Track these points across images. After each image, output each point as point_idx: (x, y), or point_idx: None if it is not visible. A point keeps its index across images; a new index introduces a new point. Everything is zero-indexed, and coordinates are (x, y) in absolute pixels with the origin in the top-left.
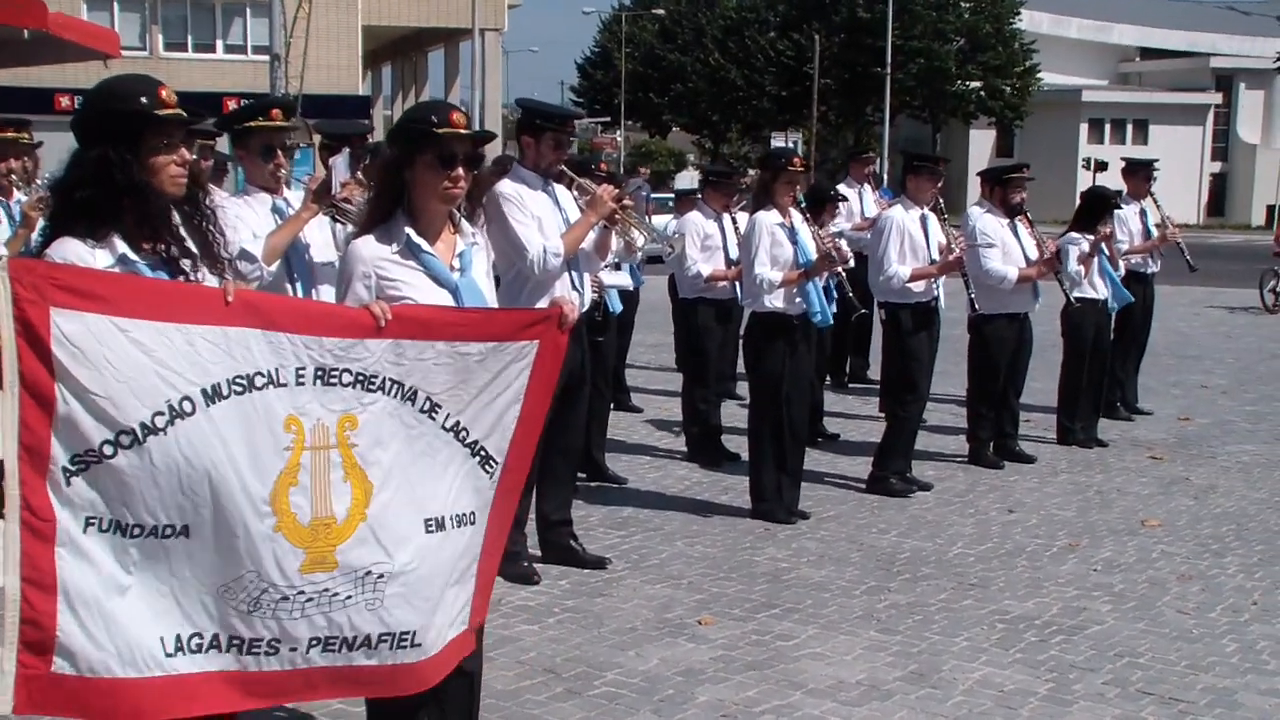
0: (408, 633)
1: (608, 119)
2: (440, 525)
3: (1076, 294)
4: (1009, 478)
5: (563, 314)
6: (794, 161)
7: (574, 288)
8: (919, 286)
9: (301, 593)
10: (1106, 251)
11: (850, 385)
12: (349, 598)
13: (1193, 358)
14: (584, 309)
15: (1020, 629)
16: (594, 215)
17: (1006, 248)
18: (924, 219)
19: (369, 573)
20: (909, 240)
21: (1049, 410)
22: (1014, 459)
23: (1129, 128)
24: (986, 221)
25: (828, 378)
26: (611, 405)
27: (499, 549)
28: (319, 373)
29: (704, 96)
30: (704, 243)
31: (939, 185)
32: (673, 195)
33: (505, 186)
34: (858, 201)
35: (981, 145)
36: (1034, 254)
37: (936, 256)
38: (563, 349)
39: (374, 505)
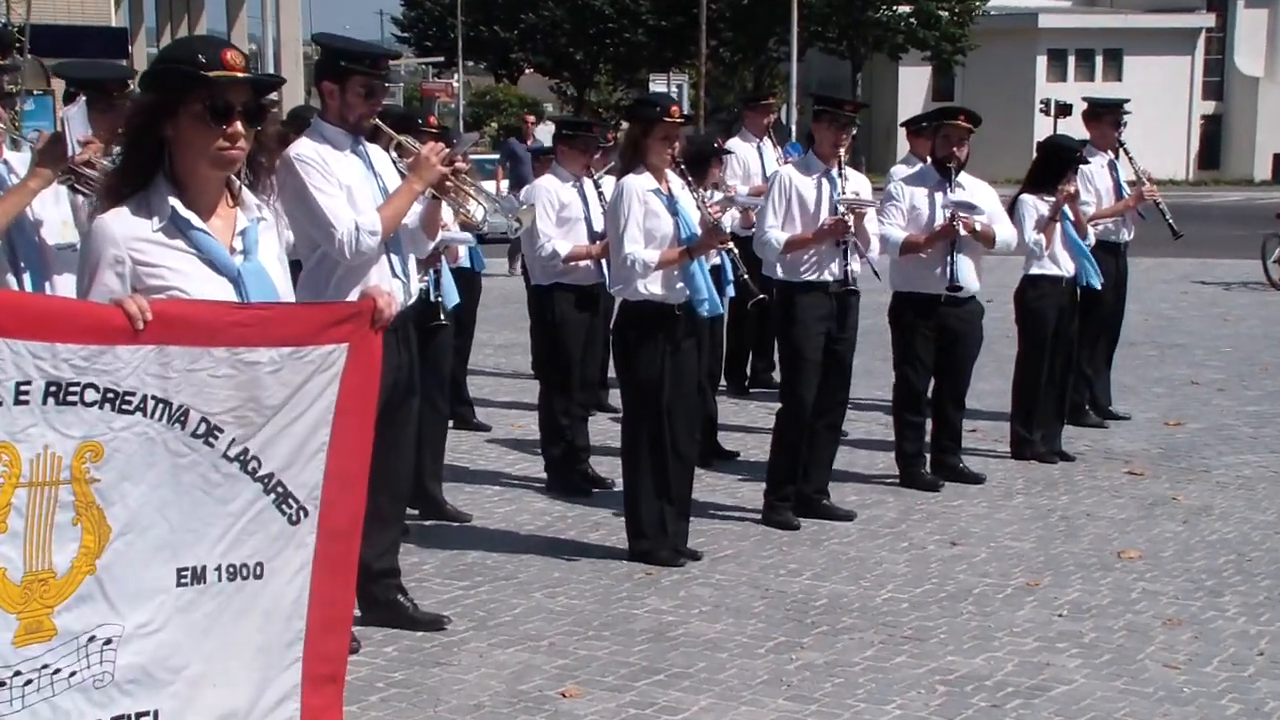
0: (146, 713)
1: (440, 59)
2: (199, 577)
3: (1035, 270)
4: (950, 502)
5: (378, 308)
6: (671, 111)
7: (394, 274)
8: (808, 262)
9: (18, 673)
10: (1071, 216)
11: (752, 390)
12: (73, 674)
13: (1180, 347)
14: (409, 301)
15: (967, 692)
16: (418, 182)
17: (916, 214)
18: (825, 178)
19: (92, 638)
20: (797, 201)
21: (1000, 417)
22: (957, 478)
23: (1098, 60)
24: (904, 182)
25: (722, 382)
26: (450, 423)
27: (344, 606)
28: (50, 389)
29: (564, 30)
30: (560, 214)
31: (845, 135)
32: (497, 156)
33: (303, 147)
34: (756, 159)
35: (914, 86)
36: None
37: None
38: (379, 353)
39: (107, 554)
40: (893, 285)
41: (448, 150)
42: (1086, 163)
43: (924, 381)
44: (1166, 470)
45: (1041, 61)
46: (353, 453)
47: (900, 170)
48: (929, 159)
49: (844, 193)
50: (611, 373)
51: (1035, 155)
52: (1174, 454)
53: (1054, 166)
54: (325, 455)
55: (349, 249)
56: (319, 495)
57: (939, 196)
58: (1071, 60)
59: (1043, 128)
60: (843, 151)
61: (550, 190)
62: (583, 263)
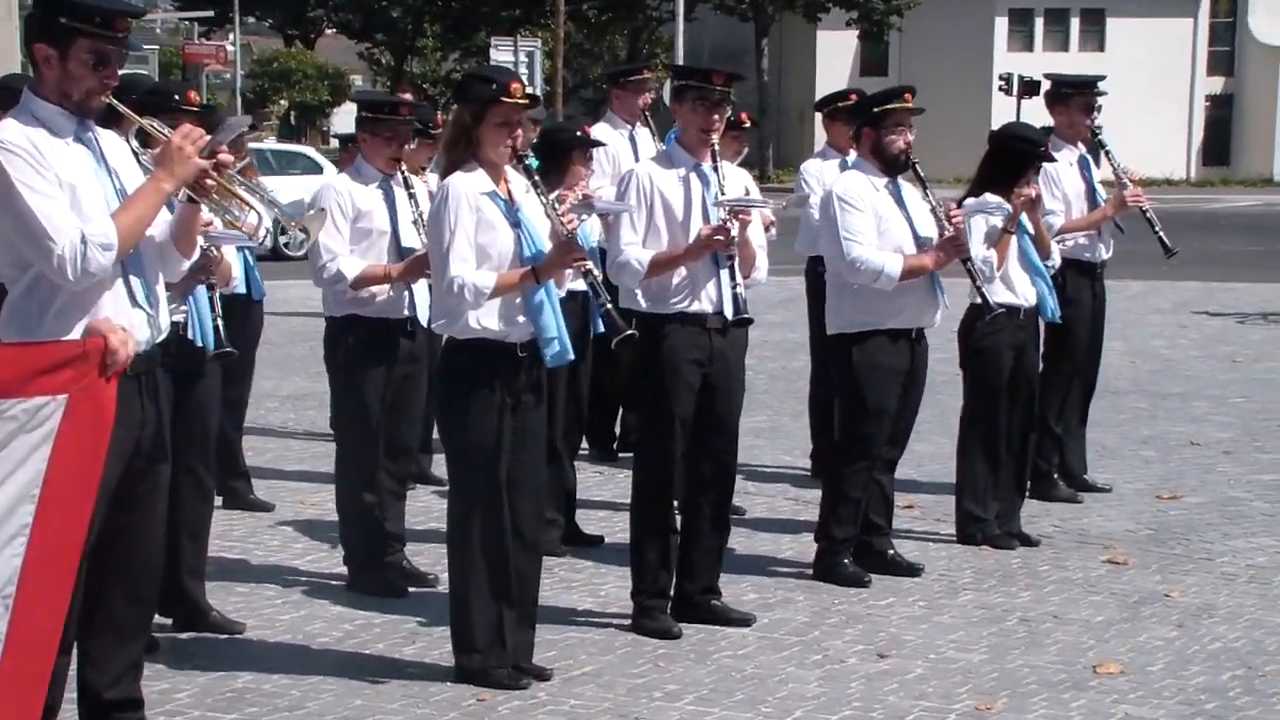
0: None
1: (210, 13)
2: None
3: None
4: (878, 601)
5: (110, 348)
6: (512, 89)
7: (135, 304)
8: (678, 287)
9: None
10: (1030, 228)
11: (623, 455)
12: None
13: (1176, 397)
14: (158, 339)
15: None
16: (168, 180)
17: (883, 223)
18: (696, 175)
19: None
20: (661, 207)
21: (943, 489)
22: (886, 569)
23: (1074, 24)
24: (853, 182)
25: (583, 444)
26: (218, 500)
27: None
28: None
29: None
30: (355, 224)
31: (717, 118)
32: (279, 147)
33: (9, 132)
34: (628, 151)
35: (836, 57)
36: (930, 232)
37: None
38: (111, 407)
39: None
40: (838, 324)
41: (209, 138)
42: (1051, 159)
43: (871, 448)
44: (1157, 558)
45: (1000, 25)
46: (64, 537)
47: (815, 166)
48: (870, 153)
49: (723, 192)
50: (436, 434)
51: (986, 149)
52: (1167, 537)
53: (1009, 164)
54: (26, 541)
55: (72, 269)
56: (12, 593)
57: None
58: (1039, 24)
59: (1002, 111)
60: (715, 139)
61: (344, 192)
62: (383, 289)
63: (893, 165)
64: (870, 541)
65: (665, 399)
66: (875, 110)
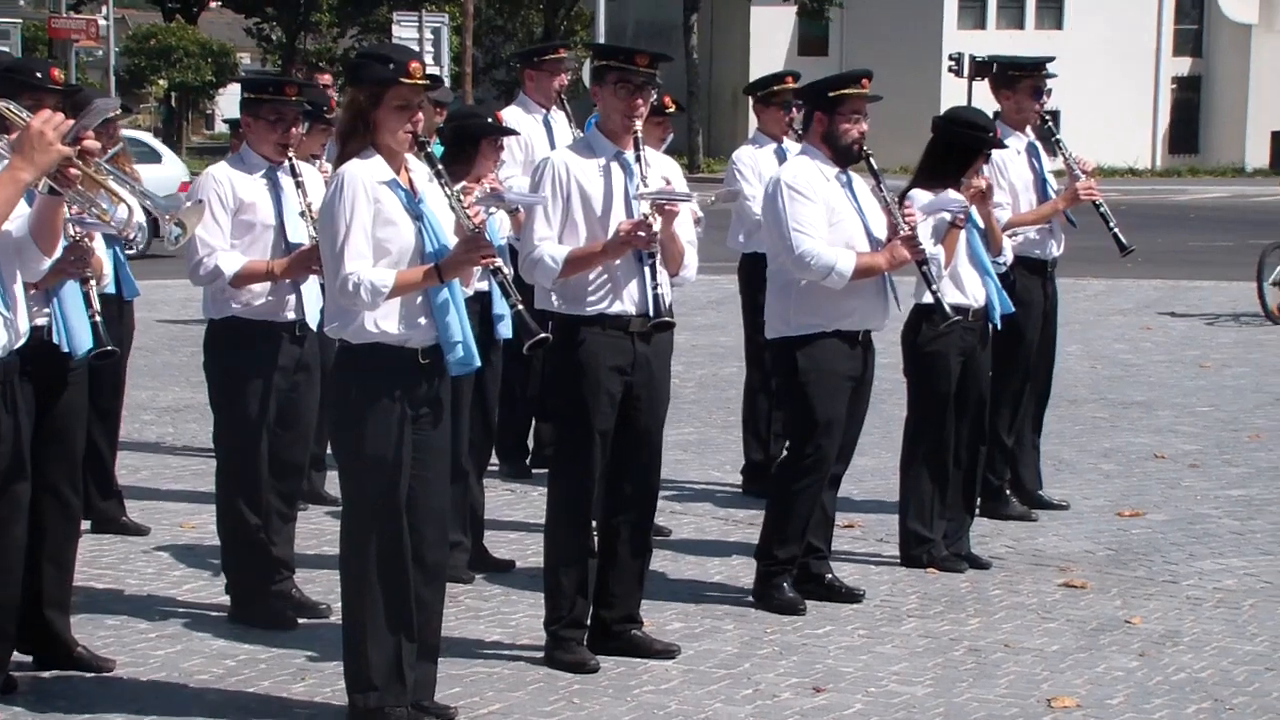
0: None
1: None
2: None
3: (931, 298)
4: (815, 629)
5: None
6: (411, 69)
7: None
8: (597, 287)
9: None
10: (980, 222)
11: (537, 470)
12: None
13: (1139, 406)
14: (16, 345)
15: None
16: (26, 169)
17: (834, 216)
18: (617, 163)
19: None
20: (579, 199)
21: (885, 507)
22: (825, 595)
23: (1029, 1)
24: (802, 169)
25: (492, 459)
26: (86, 523)
27: None
28: None
29: None
30: (238, 216)
31: (640, 102)
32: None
33: None
34: (543, 138)
35: (772, 34)
36: (883, 229)
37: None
38: None
39: None
40: (775, 327)
41: (74, 122)
42: (1001, 146)
43: (821, 465)
44: (1117, 581)
45: (950, 1)
46: None
47: (748, 154)
48: (821, 141)
49: (644, 183)
50: (329, 449)
51: (931, 136)
52: (1128, 558)
53: (956, 152)
54: None
55: None
56: None
57: (862, 196)
58: (991, 0)
59: (952, 94)
60: (639, 126)
61: (224, 181)
62: (268, 288)
63: (845, 155)
64: (807, 564)
65: (584, 410)
66: (830, 95)
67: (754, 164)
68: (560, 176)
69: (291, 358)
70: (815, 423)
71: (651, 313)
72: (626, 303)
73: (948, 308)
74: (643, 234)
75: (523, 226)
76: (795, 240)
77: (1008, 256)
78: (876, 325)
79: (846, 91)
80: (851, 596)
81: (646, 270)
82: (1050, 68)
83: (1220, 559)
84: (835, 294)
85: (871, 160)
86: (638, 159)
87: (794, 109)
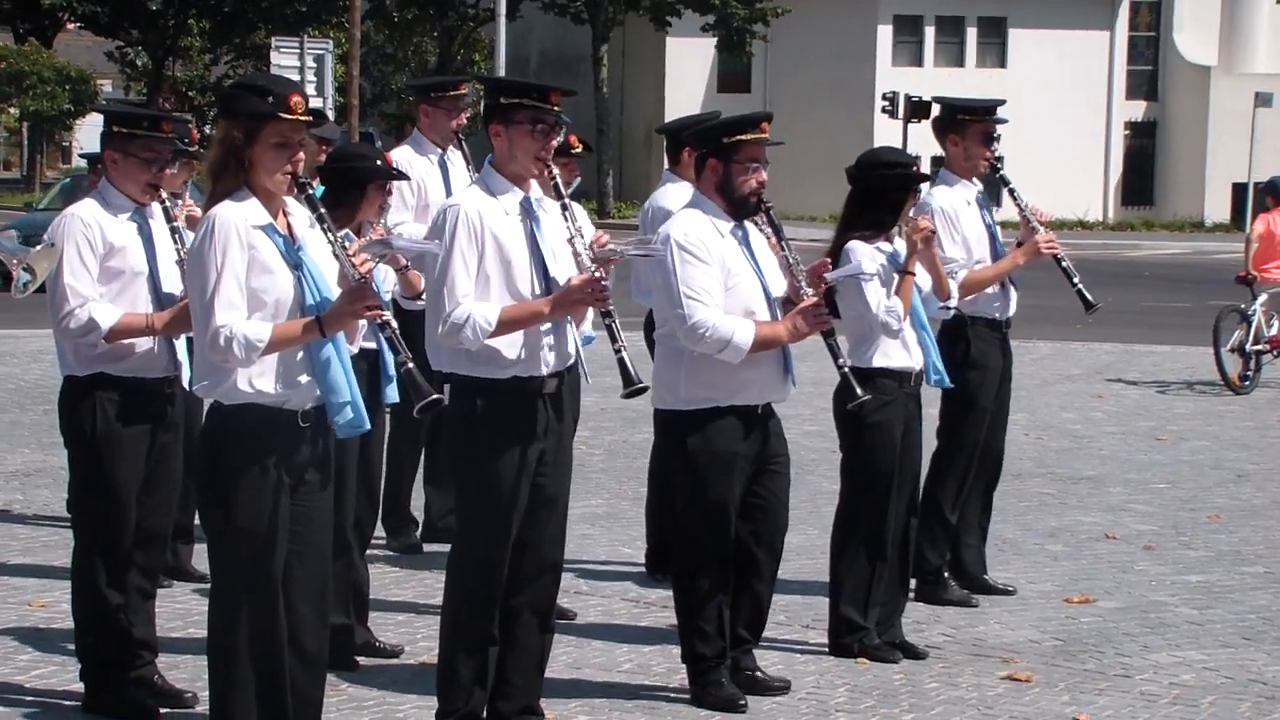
0: None
1: None
2: None
3: (870, 360)
4: None
5: None
6: (291, 103)
7: None
8: (511, 348)
9: None
10: (924, 269)
11: (429, 544)
12: None
13: (1089, 481)
14: None
15: None
16: None
17: (731, 278)
18: (523, 210)
19: None
20: (494, 249)
21: (813, 589)
22: (749, 688)
23: (970, 35)
24: (694, 225)
25: (380, 532)
26: None
27: None
28: None
29: None
30: (106, 261)
31: (548, 142)
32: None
33: None
34: (438, 180)
35: (690, 68)
36: (780, 288)
37: (561, 275)
38: None
39: None
40: (663, 399)
41: None
42: (926, 178)
43: (722, 543)
44: (1065, 674)
45: (884, 35)
46: None
47: (664, 198)
48: (715, 190)
49: (579, 233)
50: (198, 520)
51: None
52: (1077, 648)
53: (883, 197)
54: None
55: None
56: None
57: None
58: (930, 34)
59: (885, 136)
60: (556, 170)
61: (91, 223)
62: (142, 342)
63: (741, 207)
64: (734, 659)
65: (495, 479)
66: (725, 141)
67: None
68: (474, 225)
69: (160, 417)
70: (706, 508)
71: (622, 379)
72: (541, 363)
73: (857, 386)
74: (593, 291)
75: (430, 281)
76: (688, 309)
77: (954, 301)
78: (778, 398)
79: (744, 137)
80: (774, 686)
81: (607, 330)
82: (1000, 111)
83: (1177, 651)
84: (730, 366)
85: (772, 213)
86: (565, 207)
87: None
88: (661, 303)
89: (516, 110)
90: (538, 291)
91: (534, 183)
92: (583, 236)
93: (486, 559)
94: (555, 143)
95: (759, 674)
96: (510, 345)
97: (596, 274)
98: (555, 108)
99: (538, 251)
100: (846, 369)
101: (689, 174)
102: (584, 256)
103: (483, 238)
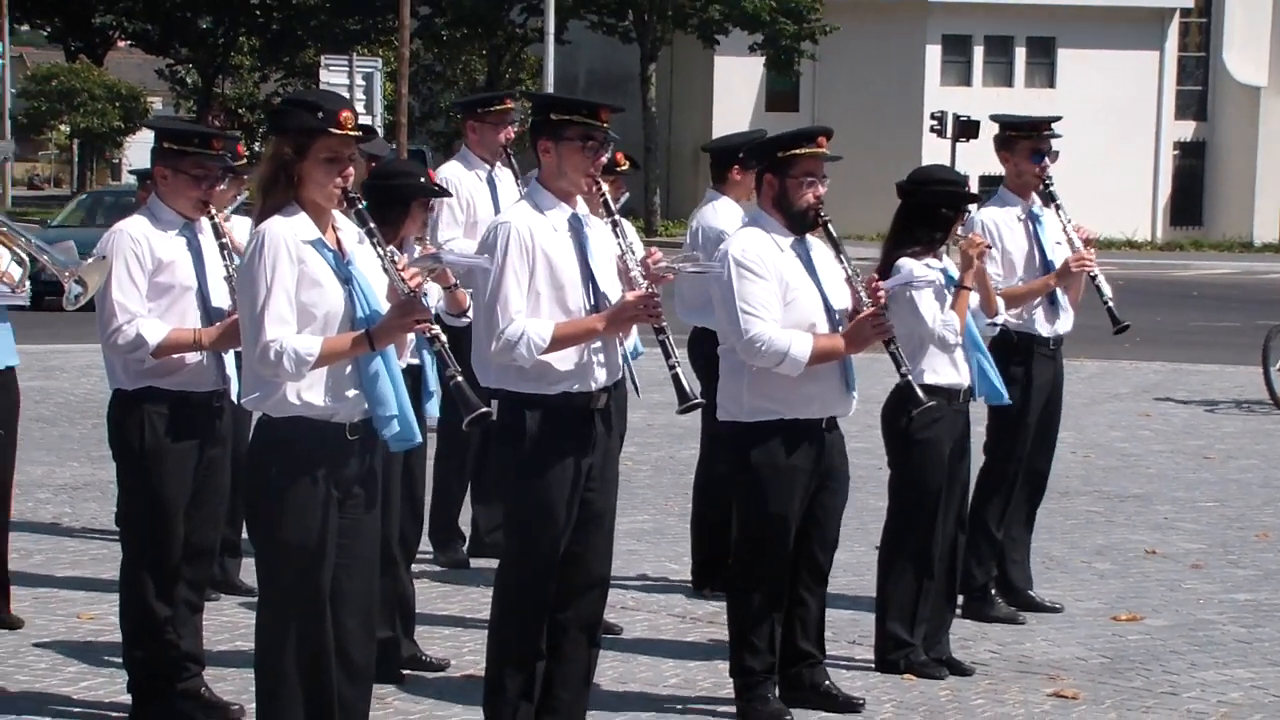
0: None
1: None
2: None
3: (921, 376)
4: None
5: None
6: (341, 119)
7: None
8: (561, 364)
9: None
10: (969, 285)
11: (476, 560)
12: None
13: (1137, 499)
14: None
15: None
16: None
17: (790, 292)
18: (571, 227)
19: None
20: (544, 265)
21: (861, 604)
22: (822, 704)
23: (1019, 55)
24: (752, 242)
25: (426, 545)
26: None
27: None
28: None
29: None
30: (155, 277)
31: (598, 159)
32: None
33: None
34: (485, 196)
35: (738, 87)
36: (844, 303)
37: (610, 292)
38: None
39: None
40: (730, 410)
41: None
42: (976, 199)
43: (780, 561)
44: (1111, 692)
45: (933, 55)
46: None
47: (711, 216)
48: (773, 206)
49: (631, 250)
50: (245, 534)
51: (900, 202)
52: (1124, 666)
53: (933, 214)
54: None
55: None
56: None
57: (827, 268)
58: (978, 54)
59: (934, 156)
60: (606, 187)
61: (140, 239)
62: (190, 356)
63: (799, 222)
64: (799, 673)
65: (545, 493)
66: (780, 155)
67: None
68: (526, 242)
69: (208, 431)
70: (767, 517)
71: (677, 396)
72: (591, 378)
73: (920, 392)
74: (646, 307)
75: (479, 297)
76: (745, 324)
77: (1003, 317)
78: (841, 411)
79: (799, 151)
80: (850, 706)
81: (660, 347)
82: (1055, 128)
83: (1225, 669)
84: (791, 379)
85: (830, 227)
86: (615, 224)
87: None
88: (721, 319)
89: (566, 127)
90: (586, 308)
91: (580, 199)
92: (634, 253)
93: (535, 574)
94: (604, 160)
95: (834, 690)
96: (560, 361)
97: (650, 290)
98: (604, 124)
99: (587, 268)
100: (910, 376)
101: (734, 192)
102: (636, 273)
103: (534, 254)
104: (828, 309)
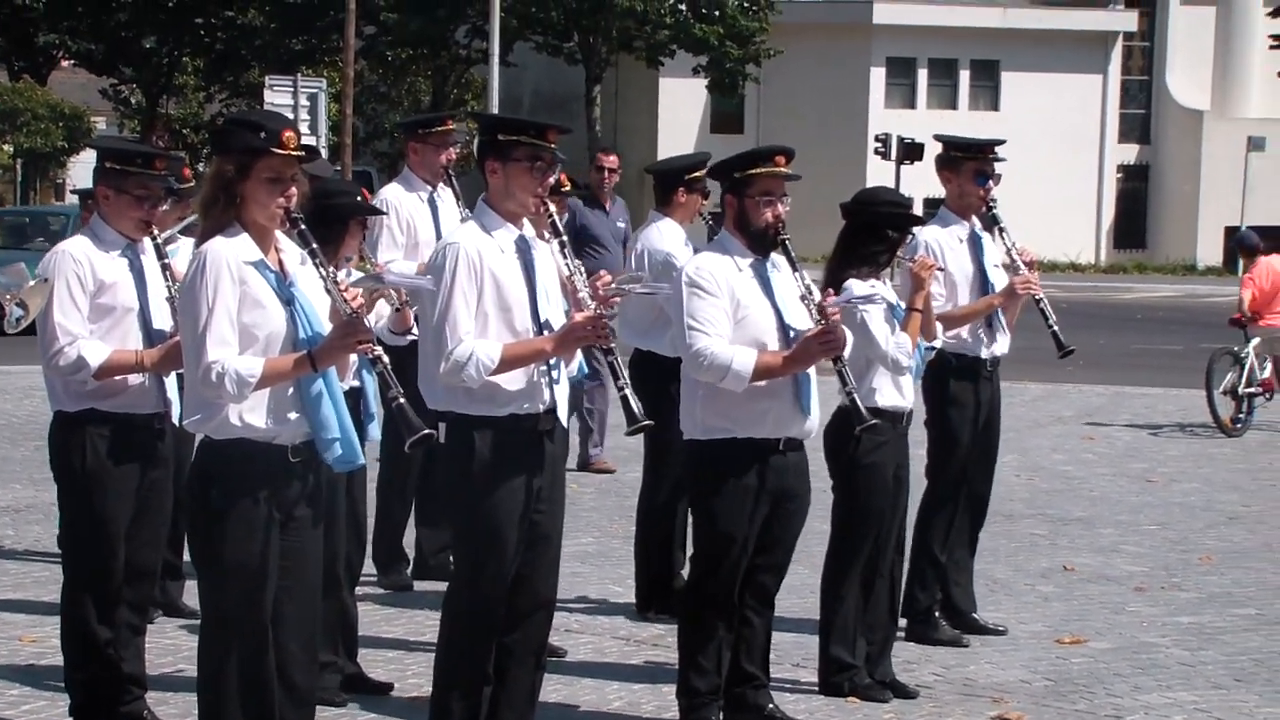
0: None
1: None
2: None
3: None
4: None
5: None
6: (284, 139)
7: None
8: (509, 386)
9: None
10: (919, 307)
11: (420, 581)
12: None
13: (1080, 522)
14: None
15: None
16: None
17: (741, 310)
18: (517, 249)
19: None
20: (491, 286)
21: (803, 627)
22: None
23: (963, 78)
24: (706, 261)
25: (370, 567)
26: None
27: None
28: None
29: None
30: (97, 299)
31: (545, 179)
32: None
33: None
34: (427, 218)
35: (682, 107)
36: (802, 323)
37: (553, 314)
38: None
39: None
40: (688, 428)
41: None
42: (920, 221)
43: (729, 581)
44: (1055, 714)
45: (877, 77)
46: None
47: (656, 238)
48: (734, 226)
49: (577, 270)
50: (186, 555)
51: (845, 222)
52: (1067, 688)
53: (877, 234)
54: None
55: None
56: None
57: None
58: (923, 76)
59: (878, 178)
60: (553, 208)
61: (82, 260)
62: (132, 378)
63: (759, 241)
64: (743, 694)
65: (493, 516)
66: (738, 175)
67: (675, 248)
68: (475, 263)
69: (150, 453)
70: (717, 537)
71: (626, 418)
72: (538, 400)
73: (864, 410)
74: (595, 329)
75: (425, 317)
76: (690, 338)
77: (940, 341)
78: (797, 433)
79: (756, 171)
80: None
81: (609, 368)
82: (999, 150)
83: (1168, 692)
84: (743, 396)
85: (788, 246)
86: (563, 244)
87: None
88: (677, 335)
89: (514, 147)
90: (532, 330)
91: (525, 220)
92: (582, 274)
93: (485, 598)
94: (551, 180)
95: (778, 714)
96: (509, 381)
97: (599, 312)
98: (552, 145)
99: (533, 289)
100: (854, 394)
101: (678, 214)
102: (584, 294)
103: (482, 275)
104: (783, 328)
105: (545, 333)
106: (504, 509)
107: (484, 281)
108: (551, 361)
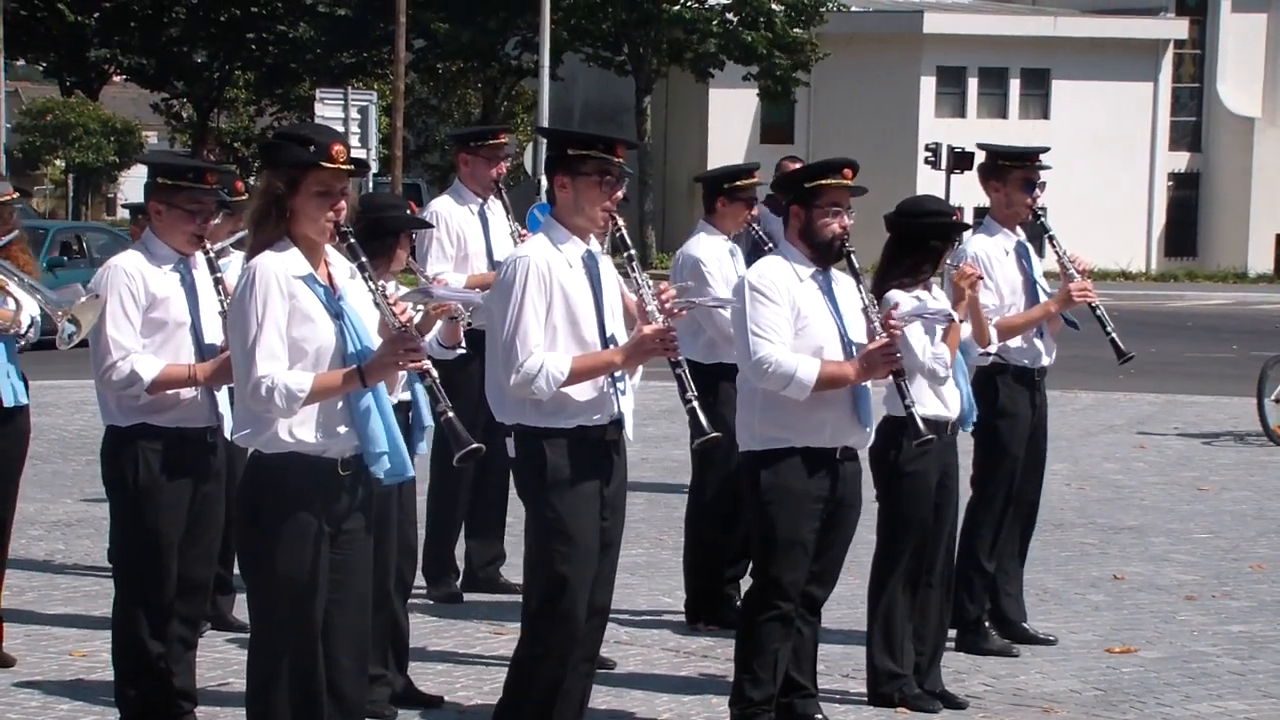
0: None
1: None
2: None
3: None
4: None
5: None
6: (334, 152)
7: None
8: (578, 398)
9: None
10: (957, 315)
11: (470, 594)
12: None
13: (1130, 531)
14: None
15: None
16: None
17: (802, 320)
18: (585, 263)
19: None
20: (560, 300)
21: (852, 639)
22: None
23: (1013, 87)
24: (769, 269)
25: (421, 581)
26: None
27: None
28: None
29: (176, 16)
30: (149, 313)
31: (614, 192)
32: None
33: None
34: (478, 231)
35: (733, 120)
36: (862, 336)
37: (617, 328)
38: None
39: None
40: (745, 440)
41: None
42: (966, 227)
43: (791, 586)
44: None
45: (927, 86)
46: None
47: (695, 247)
48: (798, 237)
49: (645, 284)
50: (236, 569)
51: (889, 234)
52: (1118, 698)
53: (922, 246)
54: None
55: None
56: None
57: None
58: (973, 85)
59: (928, 186)
60: (622, 221)
61: (135, 275)
62: (184, 392)
63: (824, 253)
64: (791, 704)
65: (571, 525)
66: (807, 186)
67: (721, 262)
68: (544, 276)
69: (202, 467)
70: (776, 546)
71: (692, 430)
72: (604, 411)
73: (921, 425)
74: (663, 341)
75: (497, 333)
76: (753, 345)
77: (995, 346)
78: (854, 442)
79: (826, 182)
80: None
81: (677, 380)
82: (1044, 158)
83: (1218, 701)
84: (801, 406)
85: (853, 258)
86: (629, 258)
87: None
88: (738, 344)
89: (583, 162)
90: (599, 343)
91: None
92: (650, 287)
93: (568, 606)
94: (620, 195)
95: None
96: (577, 394)
97: (667, 325)
98: (620, 159)
99: (600, 303)
100: (913, 408)
101: (721, 223)
102: (652, 307)
103: (551, 288)
104: (844, 339)
105: (610, 346)
106: (581, 519)
107: (553, 295)
108: (617, 374)
